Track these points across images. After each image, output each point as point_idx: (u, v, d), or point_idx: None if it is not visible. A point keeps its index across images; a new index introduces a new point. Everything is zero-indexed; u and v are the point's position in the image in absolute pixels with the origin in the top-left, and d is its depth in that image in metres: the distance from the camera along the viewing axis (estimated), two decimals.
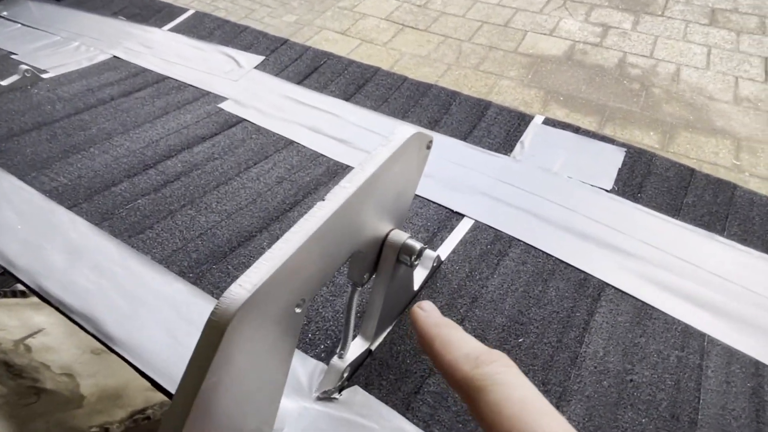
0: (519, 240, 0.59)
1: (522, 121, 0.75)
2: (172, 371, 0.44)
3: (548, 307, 0.52)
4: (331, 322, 0.49)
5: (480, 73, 2.45)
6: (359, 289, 0.43)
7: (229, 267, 0.54)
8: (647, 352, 0.49)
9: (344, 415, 0.42)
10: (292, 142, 0.73)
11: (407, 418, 0.42)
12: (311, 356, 0.46)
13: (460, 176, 0.67)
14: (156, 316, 0.48)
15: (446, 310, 0.51)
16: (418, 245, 0.43)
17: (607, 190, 0.65)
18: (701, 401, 0.45)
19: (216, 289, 0.51)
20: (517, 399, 0.18)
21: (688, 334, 0.51)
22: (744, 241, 0.60)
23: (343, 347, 0.44)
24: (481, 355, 0.22)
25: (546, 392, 0.45)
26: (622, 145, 0.70)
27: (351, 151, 0.71)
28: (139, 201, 0.61)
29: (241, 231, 0.58)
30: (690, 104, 2.30)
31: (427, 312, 0.30)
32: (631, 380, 0.46)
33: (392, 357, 0.46)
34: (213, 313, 0.28)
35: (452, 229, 0.60)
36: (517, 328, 0.50)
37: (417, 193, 0.64)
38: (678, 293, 0.54)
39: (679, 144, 2.03)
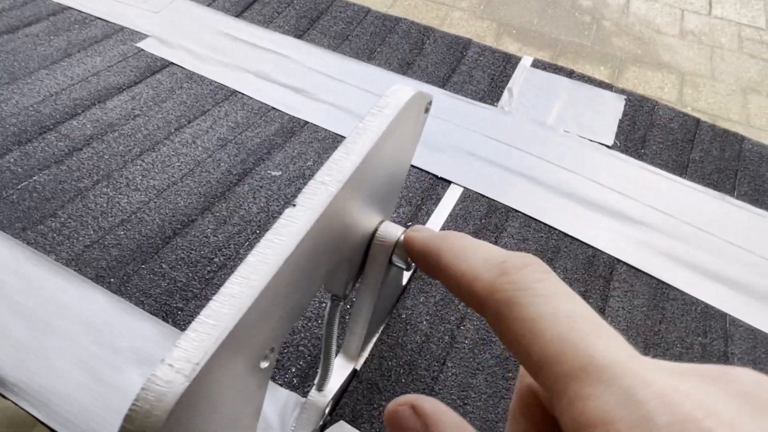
0: (517, 211, 0.49)
1: (508, 63, 0.63)
2: (92, 424, 0.32)
3: None
4: (304, 336, 0.38)
5: (431, 4, 2.27)
6: (341, 303, 0.32)
7: (164, 266, 0.41)
8: (669, 342, 0.42)
9: None
10: (234, 92, 0.58)
11: None
12: (281, 385, 0.35)
13: (442, 133, 0.55)
14: (67, 344, 0.35)
15: (442, 306, 0.41)
16: None
17: (608, 146, 0.56)
18: None
19: (148, 298, 0.39)
20: (563, 314, 0.12)
21: (709, 315, 0.44)
22: (756, 201, 0.53)
23: (324, 377, 0.33)
24: (508, 260, 0.15)
25: None
26: (621, 91, 0.61)
27: (309, 102, 0.57)
28: (35, 178, 0.46)
29: (177, 214, 0.45)
30: (639, 38, 2.25)
31: (423, 231, 0.21)
32: None
33: (382, 376, 0.37)
34: (129, 420, 0.16)
35: (438, 199, 0.49)
36: None
37: None
38: (694, 267, 0.47)
39: (628, 79, 1.99)
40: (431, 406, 0.16)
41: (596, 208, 0.50)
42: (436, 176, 0.51)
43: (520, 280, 0.14)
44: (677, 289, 0.45)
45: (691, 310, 0.44)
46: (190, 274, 0.40)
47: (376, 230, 0.31)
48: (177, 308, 0.38)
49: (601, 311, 0.43)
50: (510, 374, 0.38)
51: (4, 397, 0.32)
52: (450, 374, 0.37)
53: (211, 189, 0.47)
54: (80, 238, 0.42)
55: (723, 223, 0.51)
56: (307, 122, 0.55)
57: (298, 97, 0.58)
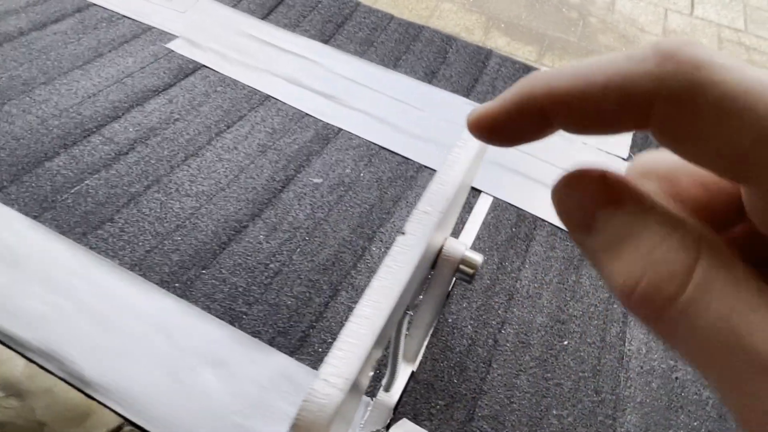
0: (544, 220, 0.53)
1: (527, 73, 0.66)
2: (178, 422, 0.34)
3: (585, 300, 0.47)
4: None
5: None
6: (409, 313, 0.35)
7: (223, 271, 0.43)
8: None
9: None
10: (268, 97, 0.59)
11: None
12: None
13: None
14: (142, 346, 0.37)
15: (483, 311, 0.44)
16: (479, 257, 0.35)
17: (623, 159, 0.60)
18: None
19: (213, 303, 0.41)
20: None
21: None
22: None
23: (392, 378, 0.36)
24: (659, 44, 0.10)
25: (601, 402, 0.41)
26: None
27: (341, 109, 0.59)
28: (87, 182, 0.47)
29: (228, 220, 0.47)
30: (623, 36, 2.30)
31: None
32: (677, 378, 0.43)
33: (436, 377, 0.40)
34: (297, 429, 0.19)
35: (471, 209, 0.52)
36: (559, 329, 0.45)
37: (425, 164, 0.55)
38: None
39: None
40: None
41: None
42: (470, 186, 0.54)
43: (691, 56, 0.10)
44: None
45: None
46: (249, 280, 0.42)
47: (442, 247, 0.34)
48: (241, 312, 0.40)
49: (625, 315, 0.47)
50: (549, 374, 0.41)
51: (91, 398, 0.34)
52: (496, 375, 0.40)
53: (258, 195, 0.49)
54: (140, 243, 0.43)
55: None
56: (341, 129, 0.57)
57: (330, 104, 0.60)
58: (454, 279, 0.45)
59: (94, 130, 0.52)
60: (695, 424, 0.41)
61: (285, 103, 0.59)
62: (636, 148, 0.61)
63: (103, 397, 0.35)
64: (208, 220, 0.46)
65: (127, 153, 0.50)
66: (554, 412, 0.39)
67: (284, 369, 0.37)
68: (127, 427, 0.37)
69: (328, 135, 0.57)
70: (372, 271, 0.45)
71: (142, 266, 0.42)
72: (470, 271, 0.34)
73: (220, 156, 0.52)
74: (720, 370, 0.09)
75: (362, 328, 0.21)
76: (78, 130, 0.51)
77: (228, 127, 0.55)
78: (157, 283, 0.41)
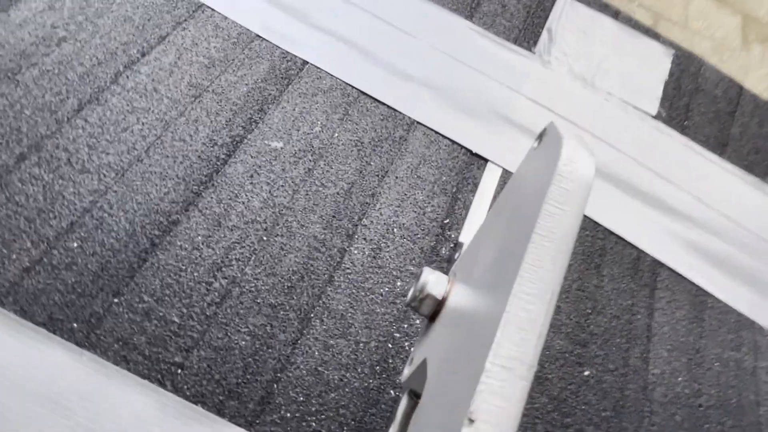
0: None
1: None
2: None
3: (608, 311, 0.39)
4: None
5: None
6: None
7: (145, 298, 0.30)
8: (708, 359, 0.40)
9: None
10: (200, 6, 0.41)
11: None
12: None
13: (475, 89, 0.44)
14: None
15: None
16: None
17: (653, 116, 0.48)
18: (762, 418, 0.38)
19: (130, 352, 0.28)
20: None
21: (741, 325, 0.42)
22: None
23: None
24: None
25: None
26: (669, 44, 0.51)
27: (306, 30, 0.43)
28: None
29: (150, 211, 0.32)
30: None
31: None
32: (700, 405, 0.37)
33: None
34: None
35: (476, 184, 0.40)
36: (579, 354, 0.36)
37: (418, 120, 0.42)
38: (732, 270, 0.44)
39: None
40: None
41: (639, 195, 0.44)
42: (470, 151, 0.41)
43: None
44: (715, 297, 0.43)
45: (727, 320, 0.42)
46: (185, 310, 0.30)
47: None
48: (174, 365, 0.28)
49: (648, 328, 0.39)
50: (568, 419, 0.34)
51: None
52: None
53: (193, 169, 0.34)
54: (13, 256, 0.29)
55: (760, 216, 0.47)
56: (305, 63, 0.41)
57: (290, 21, 0.42)
58: None
59: None
60: None
61: (226, 18, 0.41)
62: (667, 101, 0.49)
63: None
64: (119, 211, 0.32)
65: None
66: None
67: None
68: None
69: (288, 71, 0.41)
70: (356, 288, 0.33)
71: (19, 296, 0.28)
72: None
73: (132, 102, 0.35)
74: None
75: None
76: None
77: (143, 55, 0.38)
78: (45, 325, 0.27)
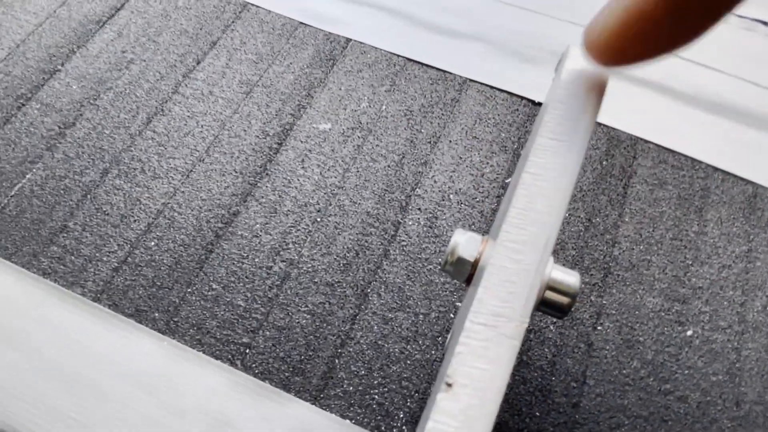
0: (647, 142, 0.36)
1: None
2: None
3: (715, 261, 0.33)
4: (405, 366, 0.30)
5: None
6: None
7: (214, 285, 0.32)
8: None
9: None
10: (246, 6, 0.43)
11: None
12: None
13: (528, 31, 0.40)
14: (121, 412, 0.28)
15: None
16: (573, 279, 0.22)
17: (764, 23, 0.40)
18: None
19: (205, 335, 0.30)
20: None
21: None
22: None
23: None
24: None
25: (744, 419, 0.29)
26: None
27: (348, 7, 0.42)
28: (29, 176, 0.35)
29: (213, 206, 0.34)
30: None
31: None
32: None
33: (510, 410, 0.29)
34: None
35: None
36: (678, 312, 0.31)
37: (471, 77, 0.39)
38: None
39: None
40: None
41: (754, 123, 0.37)
42: (532, 102, 0.38)
43: None
44: None
45: None
46: (249, 294, 0.31)
47: None
48: (243, 345, 0.30)
49: None
50: (668, 385, 0.29)
51: None
52: (593, 396, 0.29)
53: (248, 162, 0.36)
54: (104, 259, 0.32)
55: None
56: (349, 40, 0.41)
57: (329, 1, 0.42)
58: None
59: (29, 95, 0.39)
60: None
61: (269, 11, 0.42)
62: None
63: None
64: (186, 209, 0.34)
65: (73, 123, 0.37)
66: None
67: (306, 425, 0.28)
68: None
69: (332, 52, 0.40)
70: (413, 260, 0.32)
71: (111, 293, 0.31)
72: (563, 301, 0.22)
73: (191, 108, 0.38)
74: None
75: None
76: (9, 98, 0.38)
77: (198, 62, 0.40)
78: (132, 316, 0.31)
